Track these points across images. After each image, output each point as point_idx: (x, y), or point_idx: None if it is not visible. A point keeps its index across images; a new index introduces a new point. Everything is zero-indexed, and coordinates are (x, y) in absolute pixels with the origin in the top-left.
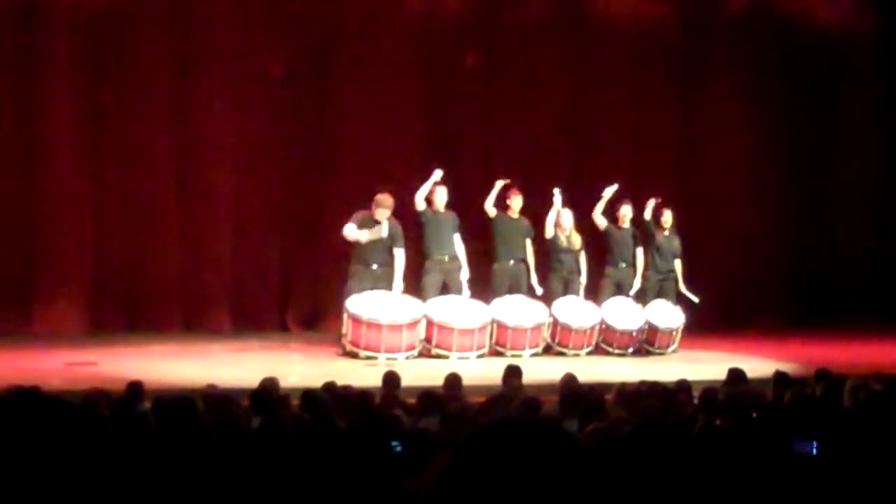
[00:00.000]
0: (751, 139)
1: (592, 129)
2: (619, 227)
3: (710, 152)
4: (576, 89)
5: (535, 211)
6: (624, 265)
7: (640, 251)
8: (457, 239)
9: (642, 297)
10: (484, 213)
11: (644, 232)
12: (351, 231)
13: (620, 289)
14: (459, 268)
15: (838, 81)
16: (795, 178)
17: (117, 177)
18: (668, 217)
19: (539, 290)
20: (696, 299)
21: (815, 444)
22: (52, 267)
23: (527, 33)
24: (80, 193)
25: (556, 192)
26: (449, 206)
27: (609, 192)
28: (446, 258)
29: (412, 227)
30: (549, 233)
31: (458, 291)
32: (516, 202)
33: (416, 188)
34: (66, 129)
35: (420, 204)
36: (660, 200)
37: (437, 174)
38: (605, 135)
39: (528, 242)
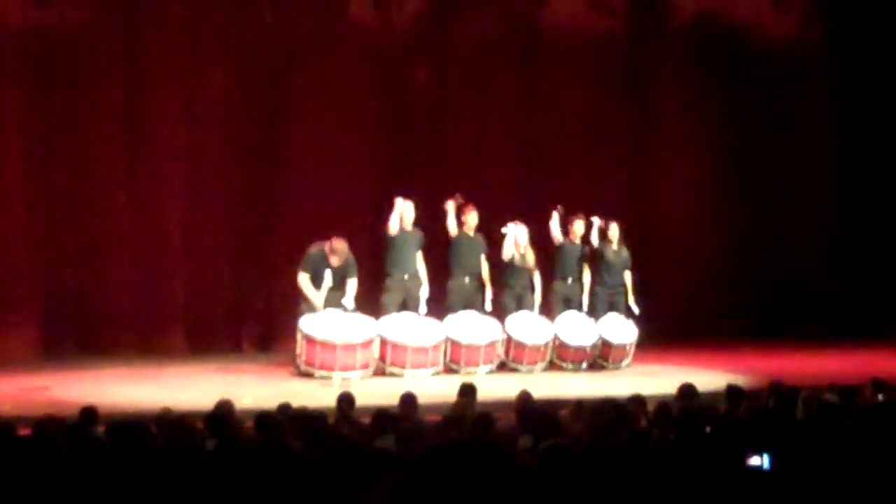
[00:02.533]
0: (702, 151)
1: (544, 144)
2: (572, 243)
3: (661, 164)
4: (527, 104)
5: (488, 227)
6: (571, 280)
7: (585, 267)
8: (419, 257)
9: (593, 313)
10: (440, 232)
11: (593, 251)
12: (307, 289)
13: (569, 304)
14: (420, 285)
15: (787, 92)
16: (746, 190)
17: (68, 199)
18: (614, 230)
19: (489, 308)
20: (636, 310)
21: (768, 457)
22: (3, 291)
23: (477, 49)
24: (30, 216)
25: (511, 225)
26: (415, 223)
27: (556, 213)
28: (407, 276)
29: (367, 249)
30: (506, 255)
31: (416, 308)
32: (472, 219)
33: (367, 206)
34: (15, 152)
35: (392, 230)
36: (602, 220)
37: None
38: (557, 149)
39: (483, 259)
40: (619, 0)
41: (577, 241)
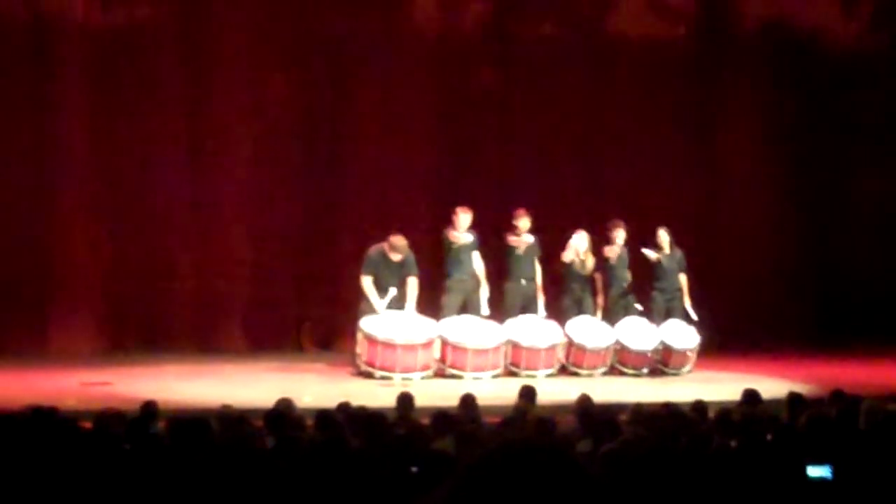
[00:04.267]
0: (767, 156)
1: (606, 149)
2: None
3: (725, 171)
4: (590, 108)
5: (548, 230)
6: (626, 284)
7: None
8: (476, 257)
9: (651, 318)
10: (497, 236)
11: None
12: (370, 291)
13: (627, 310)
14: (478, 286)
15: (854, 99)
16: (811, 197)
17: (132, 196)
18: (663, 236)
19: (543, 314)
20: (694, 317)
21: (829, 467)
22: (68, 287)
23: (541, 52)
24: (93, 213)
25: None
26: (470, 227)
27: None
28: (466, 277)
29: (428, 252)
30: (566, 258)
31: (477, 310)
32: (524, 223)
33: (428, 208)
34: (81, 148)
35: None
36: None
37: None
38: (620, 154)
39: (537, 263)
40: (686, 5)
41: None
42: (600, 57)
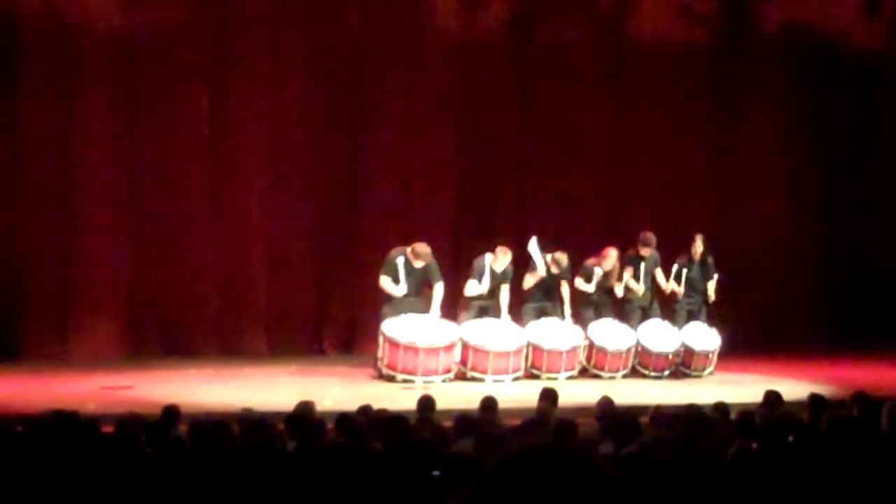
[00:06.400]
0: (788, 160)
1: (627, 150)
2: (639, 255)
3: (747, 173)
4: (610, 111)
5: (569, 236)
6: (644, 289)
7: (658, 274)
8: (503, 290)
9: (673, 322)
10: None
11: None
12: (387, 286)
13: (645, 312)
14: (497, 308)
15: (874, 102)
16: (833, 200)
17: (153, 202)
18: (698, 244)
19: (569, 321)
20: (705, 323)
21: None
22: (89, 291)
23: (562, 54)
24: (115, 218)
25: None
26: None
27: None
28: (486, 295)
29: (449, 255)
30: (582, 286)
31: (498, 315)
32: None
33: (449, 212)
34: (102, 155)
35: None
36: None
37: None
38: (642, 158)
39: (564, 284)
40: (707, 8)
41: (650, 252)
42: (621, 60)
